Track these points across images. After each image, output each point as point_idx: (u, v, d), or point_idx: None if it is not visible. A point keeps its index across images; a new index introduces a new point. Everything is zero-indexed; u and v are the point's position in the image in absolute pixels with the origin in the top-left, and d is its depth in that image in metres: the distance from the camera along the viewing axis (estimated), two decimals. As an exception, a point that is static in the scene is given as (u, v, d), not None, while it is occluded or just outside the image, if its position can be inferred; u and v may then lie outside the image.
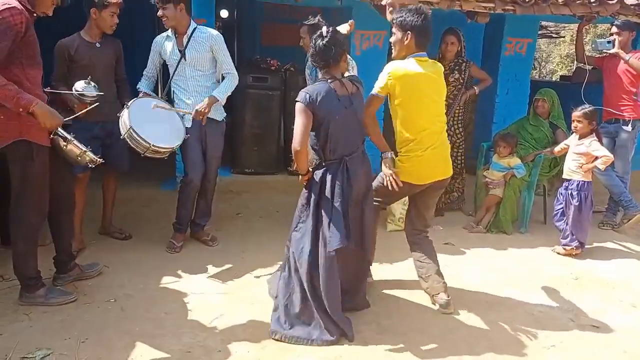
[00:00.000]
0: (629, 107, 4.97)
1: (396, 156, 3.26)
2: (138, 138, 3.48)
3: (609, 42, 5.01)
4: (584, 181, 4.30)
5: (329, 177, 2.93)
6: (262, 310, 3.19)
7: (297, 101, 2.89)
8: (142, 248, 4.04)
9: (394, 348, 2.90)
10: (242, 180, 5.65)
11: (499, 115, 5.96)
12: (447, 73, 4.84)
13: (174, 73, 3.89)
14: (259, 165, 5.73)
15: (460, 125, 5.08)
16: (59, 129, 2.92)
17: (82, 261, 3.55)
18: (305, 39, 3.89)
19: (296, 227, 3.05)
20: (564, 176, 4.44)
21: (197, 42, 3.82)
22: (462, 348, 2.94)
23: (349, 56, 3.19)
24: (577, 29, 5.68)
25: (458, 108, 5.01)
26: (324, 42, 2.89)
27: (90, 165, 3.09)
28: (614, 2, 5.04)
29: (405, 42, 3.14)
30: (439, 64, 3.31)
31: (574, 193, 4.30)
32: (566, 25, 11.53)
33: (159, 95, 4.02)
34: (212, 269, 3.76)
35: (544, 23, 9.27)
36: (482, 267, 4.04)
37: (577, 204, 4.28)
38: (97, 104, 3.39)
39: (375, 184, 3.26)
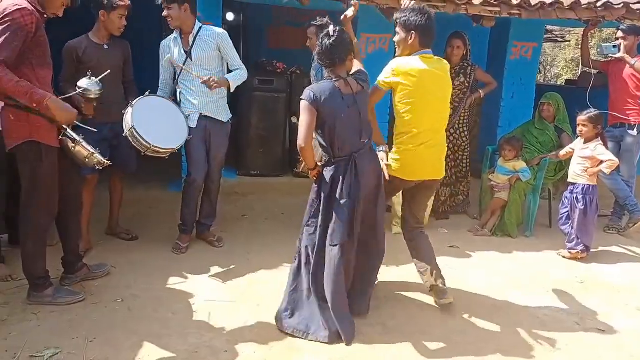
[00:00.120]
0: (635, 111, 4.98)
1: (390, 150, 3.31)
2: (139, 137, 3.51)
3: (614, 46, 5.03)
4: (589, 185, 4.31)
5: (338, 174, 2.96)
6: (268, 311, 3.20)
7: (301, 99, 2.93)
8: (149, 249, 4.06)
9: (399, 349, 2.91)
10: (248, 182, 5.69)
11: (505, 119, 5.97)
12: (452, 77, 4.81)
13: (179, 73, 3.92)
14: (265, 167, 5.76)
15: (465, 129, 5.10)
16: (68, 129, 2.95)
17: (89, 262, 3.57)
18: (312, 40, 3.93)
19: (308, 222, 3.08)
20: (569, 180, 4.45)
21: (203, 41, 3.85)
22: (468, 350, 2.95)
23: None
24: (582, 33, 5.68)
25: (463, 111, 5.04)
26: (330, 41, 2.92)
27: (98, 167, 3.11)
28: (619, 6, 5.06)
29: (410, 42, 3.16)
30: (445, 62, 3.32)
31: (579, 197, 4.30)
32: (571, 29, 11.53)
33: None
34: (218, 270, 3.77)
35: (549, 27, 9.28)
36: (488, 271, 4.05)
37: (582, 207, 4.28)
38: (100, 91, 3.38)
39: None
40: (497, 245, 4.55)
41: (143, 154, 3.64)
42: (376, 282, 3.46)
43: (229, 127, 4.15)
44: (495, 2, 4.80)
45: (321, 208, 3.00)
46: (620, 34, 5.03)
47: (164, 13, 3.75)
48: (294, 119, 4.56)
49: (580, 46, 5.76)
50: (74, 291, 3.25)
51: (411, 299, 3.46)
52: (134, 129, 3.49)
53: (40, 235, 3.06)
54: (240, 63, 4.02)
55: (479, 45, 6.12)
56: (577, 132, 4.42)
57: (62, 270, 3.38)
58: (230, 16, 8.52)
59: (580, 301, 3.61)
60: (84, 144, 2.99)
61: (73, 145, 2.96)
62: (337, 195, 2.95)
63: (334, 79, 2.96)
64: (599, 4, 5.02)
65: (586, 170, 4.30)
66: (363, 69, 3.16)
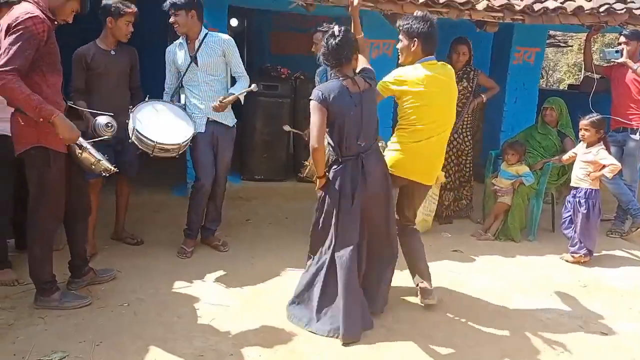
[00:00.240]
0: (637, 115, 5.00)
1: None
2: (143, 138, 3.55)
3: (617, 51, 5.06)
4: (592, 189, 4.32)
5: (345, 173, 3.00)
6: (273, 316, 3.23)
7: (310, 99, 2.96)
8: (154, 253, 4.08)
9: (403, 353, 2.92)
10: (252, 187, 5.72)
11: (507, 124, 6.00)
12: (455, 81, 4.89)
13: (182, 77, 3.94)
14: (269, 172, 5.79)
15: (468, 133, 5.12)
16: None
17: (95, 266, 3.59)
18: (318, 45, 3.95)
19: (318, 221, 3.12)
20: (572, 184, 4.46)
21: (209, 46, 3.89)
22: (471, 354, 2.97)
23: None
24: (585, 38, 5.71)
25: (466, 116, 5.06)
26: (336, 41, 2.94)
27: (104, 174, 3.14)
28: (622, 12, 5.08)
29: (412, 49, 3.21)
30: (450, 67, 3.36)
31: (582, 201, 4.32)
32: (574, 34, 11.56)
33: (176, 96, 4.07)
34: (222, 274, 3.79)
35: (551, 32, 9.30)
36: (491, 274, 4.06)
37: (585, 211, 4.30)
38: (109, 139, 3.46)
39: None
40: (501, 250, 4.57)
41: (152, 156, 3.66)
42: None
43: (234, 131, 4.18)
44: (498, 8, 4.83)
45: (331, 207, 3.03)
46: (622, 39, 5.06)
47: (171, 19, 3.79)
48: (286, 127, 4.59)
49: (582, 51, 5.79)
50: (80, 295, 3.28)
51: (414, 302, 3.47)
52: (136, 130, 3.53)
53: (47, 239, 3.08)
54: (243, 70, 4.06)
55: (482, 50, 6.15)
56: (580, 136, 4.44)
57: (68, 275, 3.40)
58: (233, 22, 8.58)
59: (583, 305, 3.63)
60: (91, 150, 3.03)
61: (80, 151, 2.99)
62: (346, 195, 2.99)
63: (341, 78, 2.99)
64: (601, 9, 5.04)
65: (589, 175, 4.32)
66: (369, 67, 3.19)
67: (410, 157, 3.26)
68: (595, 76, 5.44)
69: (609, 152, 4.36)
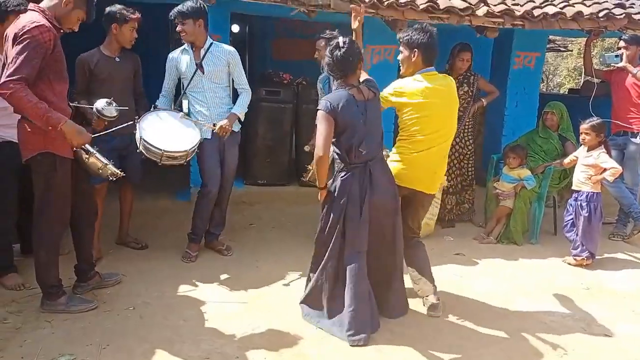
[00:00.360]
0: (637, 119, 5.03)
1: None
2: (150, 147, 3.57)
3: (616, 55, 5.10)
4: (593, 192, 4.35)
5: (354, 180, 3.03)
6: (278, 319, 3.25)
7: (318, 109, 2.99)
8: (158, 257, 4.11)
9: (407, 356, 2.94)
10: (255, 192, 5.75)
11: (508, 128, 6.03)
12: (456, 86, 4.92)
13: (188, 85, 3.97)
14: (271, 176, 5.83)
15: (470, 137, 5.16)
16: None
17: (100, 270, 3.61)
18: (321, 52, 3.99)
19: (325, 227, 3.13)
20: (574, 187, 4.49)
21: (215, 56, 3.93)
22: (475, 356, 2.98)
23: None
24: (585, 42, 5.76)
25: (468, 120, 5.10)
26: (341, 52, 2.98)
27: (111, 179, 3.17)
28: (621, 16, 5.13)
29: (413, 59, 3.26)
30: (450, 78, 3.40)
31: (584, 204, 4.35)
32: (573, 38, 11.61)
33: (171, 107, 4.09)
34: (227, 278, 3.82)
35: (551, 37, 9.35)
36: (494, 278, 4.08)
37: (586, 214, 4.33)
38: (115, 117, 3.46)
39: None
40: (503, 253, 4.59)
41: (160, 164, 3.68)
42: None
43: (239, 136, 4.22)
44: (498, 14, 4.88)
45: (339, 214, 3.05)
46: (622, 43, 5.10)
47: (178, 28, 3.82)
48: (306, 148, 4.53)
49: (582, 55, 5.83)
50: (86, 299, 3.30)
51: (418, 304, 3.48)
52: (143, 139, 3.56)
53: (54, 244, 3.11)
54: (246, 84, 4.11)
55: (482, 56, 6.19)
56: (580, 140, 4.47)
57: (74, 279, 3.43)
58: (235, 28, 8.63)
59: (586, 307, 3.64)
60: (98, 155, 3.06)
61: (87, 156, 3.02)
62: (354, 202, 3.01)
63: (347, 88, 3.02)
64: (601, 14, 5.09)
65: (590, 178, 4.35)
66: (370, 78, 3.24)
67: (412, 168, 3.29)
68: (596, 80, 5.47)
69: (610, 156, 4.39)
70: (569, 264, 4.40)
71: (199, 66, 3.91)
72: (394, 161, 3.34)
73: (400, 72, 3.41)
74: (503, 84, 5.95)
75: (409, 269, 3.48)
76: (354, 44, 3.06)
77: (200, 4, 3.82)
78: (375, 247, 3.13)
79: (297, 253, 4.17)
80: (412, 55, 3.25)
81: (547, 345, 3.13)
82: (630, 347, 3.17)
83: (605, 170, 4.28)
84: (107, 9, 3.74)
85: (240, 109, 4.03)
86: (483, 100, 5.17)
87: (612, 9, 5.17)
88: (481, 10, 4.87)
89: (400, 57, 3.35)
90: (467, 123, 5.10)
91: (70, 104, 3.22)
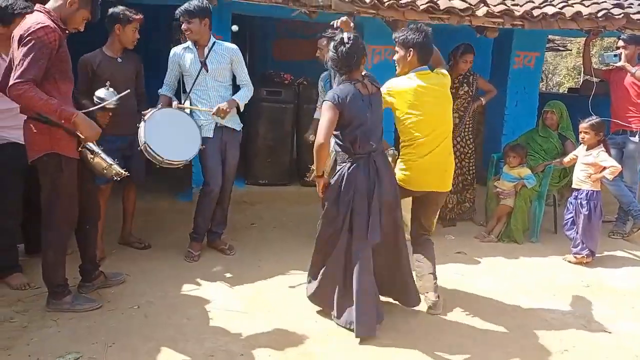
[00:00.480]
0: (636, 118, 5.07)
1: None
2: (152, 152, 3.62)
3: (615, 55, 5.14)
4: (593, 190, 4.38)
5: (359, 171, 3.05)
6: (281, 317, 3.29)
7: (325, 100, 3.03)
8: (161, 257, 4.14)
9: (411, 353, 2.97)
10: (256, 191, 5.77)
11: (509, 127, 6.05)
12: (456, 86, 4.99)
13: (194, 83, 4.00)
14: (272, 176, 5.85)
15: (470, 136, 5.20)
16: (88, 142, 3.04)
17: (103, 270, 3.62)
18: (323, 51, 4.02)
19: (329, 222, 3.15)
20: (574, 186, 4.53)
21: (219, 54, 3.96)
22: (477, 353, 3.01)
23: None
24: (584, 42, 5.79)
25: (468, 119, 5.13)
26: (346, 48, 3.01)
27: (116, 179, 3.20)
28: (620, 16, 5.16)
29: (408, 59, 3.30)
30: (445, 76, 3.41)
31: (584, 202, 4.38)
32: (572, 38, 11.64)
33: (183, 102, 4.11)
34: (230, 277, 3.84)
35: (550, 36, 9.38)
36: (495, 276, 4.12)
37: (586, 213, 4.36)
38: (117, 104, 3.47)
39: None
40: (504, 251, 4.62)
41: (158, 167, 3.74)
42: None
43: (240, 135, 4.25)
44: (498, 14, 4.90)
45: (343, 205, 3.07)
46: (621, 43, 5.14)
47: (184, 26, 3.85)
48: (311, 137, 4.51)
49: (581, 55, 5.86)
50: (91, 298, 3.33)
51: (422, 303, 3.50)
52: (147, 144, 3.60)
53: (61, 244, 3.13)
54: (248, 79, 4.14)
55: (482, 55, 6.21)
56: (580, 139, 4.50)
57: (78, 279, 3.45)
58: (234, 28, 8.66)
59: (586, 305, 3.68)
60: (103, 155, 3.09)
61: (92, 156, 3.05)
62: (361, 193, 3.04)
63: (352, 82, 3.06)
64: (599, 14, 5.12)
65: (590, 177, 4.38)
66: (370, 73, 3.27)
67: (422, 172, 3.34)
68: (595, 79, 5.50)
69: (609, 155, 4.42)
70: (569, 262, 4.43)
71: (203, 64, 3.93)
72: (402, 170, 3.36)
73: (396, 72, 3.44)
74: (503, 83, 5.98)
75: (415, 263, 3.51)
76: (358, 40, 3.09)
77: (206, 4, 3.85)
78: (377, 247, 3.15)
79: (298, 252, 4.20)
80: (408, 55, 3.29)
81: (548, 342, 3.16)
82: (630, 344, 3.20)
83: (604, 168, 4.32)
84: (110, 10, 3.77)
85: (241, 98, 4.04)
86: (482, 99, 5.21)
87: (611, 9, 5.20)
88: (481, 11, 4.90)
89: (395, 57, 3.39)
90: (467, 122, 5.14)
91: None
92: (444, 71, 3.42)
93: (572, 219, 4.50)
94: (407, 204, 3.76)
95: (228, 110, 3.90)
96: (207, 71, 3.95)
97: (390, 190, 3.15)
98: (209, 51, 3.94)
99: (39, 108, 2.81)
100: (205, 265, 4.05)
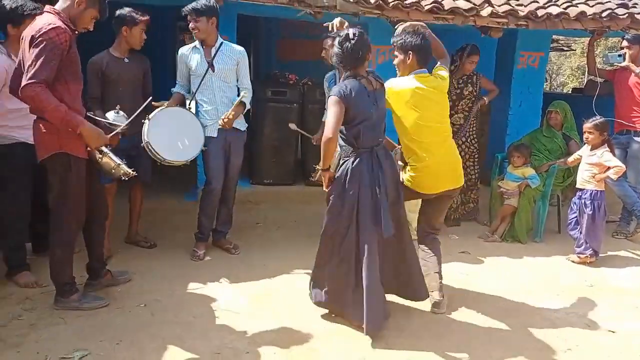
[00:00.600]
0: (640, 118, 5.07)
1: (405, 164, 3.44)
2: (154, 151, 3.66)
3: (619, 55, 5.14)
4: (597, 190, 4.39)
5: (362, 166, 3.07)
6: (286, 315, 3.31)
7: (330, 95, 3.05)
8: (167, 256, 4.17)
9: (415, 352, 2.99)
10: (261, 191, 5.81)
11: (513, 127, 6.07)
12: (461, 87, 5.01)
13: (200, 83, 4.02)
14: (277, 176, 5.89)
15: (475, 136, 5.21)
16: None
17: (110, 268, 3.65)
18: (328, 51, 4.04)
19: (334, 216, 3.15)
20: (578, 186, 4.54)
21: (226, 55, 3.99)
22: (481, 352, 3.03)
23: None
24: (588, 42, 5.79)
25: (473, 119, 5.15)
26: (351, 44, 3.03)
27: (124, 178, 3.23)
28: (624, 16, 5.17)
29: (408, 62, 3.33)
30: (443, 80, 3.42)
31: (587, 202, 4.39)
32: (577, 38, 11.63)
33: (187, 105, 4.15)
34: (235, 276, 3.87)
35: (554, 36, 9.39)
36: (498, 275, 4.13)
37: (590, 212, 4.37)
38: (127, 126, 3.51)
39: None
40: (508, 251, 4.64)
41: (159, 165, 3.79)
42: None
43: (245, 135, 4.28)
44: (502, 14, 4.93)
45: (349, 199, 3.08)
46: (625, 43, 5.14)
47: (191, 25, 3.88)
48: (292, 126, 4.61)
49: (586, 55, 5.87)
50: (98, 297, 3.37)
51: (427, 304, 3.52)
52: (149, 144, 3.64)
53: (69, 242, 3.17)
54: (249, 83, 4.16)
55: (486, 55, 6.22)
56: (584, 139, 4.51)
57: (85, 277, 3.48)
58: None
59: (590, 304, 3.69)
60: (111, 155, 3.13)
61: (100, 156, 3.09)
62: (365, 187, 3.06)
63: (358, 78, 3.09)
64: (604, 14, 5.13)
65: (594, 177, 4.39)
66: (372, 70, 3.30)
67: (433, 176, 3.36)
68: (599, 80, 5.51)
69: (614, 155, 4.43)
70: (573, 261, 4.44)
71: (210, 64, 3.96)
72: (412, 177, 3.37)
73: (397, 76, 3.46)
74: (507, 83, 5.99)
75: (421, 261, 3.53)
76: (363, 36, 3.10)
77: (214, 3, 3.88)
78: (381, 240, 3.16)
79: (303, 252, 4.21)
80: (407, 58, 3.32)
81: (552, 341, 3.17)
82: (633, 344, 3.22)
83: (609, 168, 4.33)
84: (117, 12, 3.80)
85: (247, 99, 4.05)
86: (485, 98, 5.23)
87: (615, 9, 5.21)
88: (485, 11, 4.92)
89: (395, 61, 3.42)
90: (472, 122, 5.16)
91: (88, 114, 3.29)
92: (443, 73, 3.43)
93: (575, 218, 4.51)
94: (411, 203, 3.79)
95: (233, 118, 3.93)
96: (214, 71, 3.98)
97: (392, 184, 3.18)
98: (216, 51, 3.97)
99: (48, 113, 2.85)
100: (211, 264, 4.09)
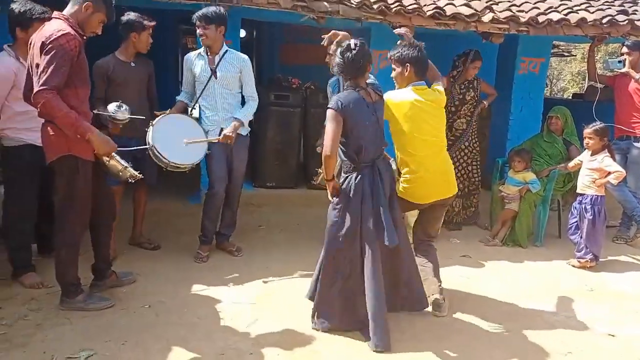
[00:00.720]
0: (640, 124, 5.11)
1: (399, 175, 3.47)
2: (158, 155, 3.69)
3: (619, 61, 5.18)
4: (597, 195, 4.43)
5: (365, 181, 3.10)
6: (289, 317, 3.35)
7: (329, 107, 3.07)
8: (171, 258, 4.21)
9: (417, 355, 3.02)
10: (264, 194, 5.86)
11: (513, 132, 6.11)
12: (463, 92, 5.06)
13: (203, 90, 4.08)
14: (280, 179, 5.94)
15: (477, 140, 5.25)
16: None
17: (114, 269, 3.68)
18: (332, 55, 4.08)
19: (339, 229, 3.14)
20: (578, 191, 4.57)
21: (229, 62, 4.04)
22: (483, 355, 3.06)
23: (371, 75, 3.38)
24: (588, 48, 5.84)
25: (474, 123, 5.20)
26: (352, 54, 3.06)
27: (130, 181, 3.27)
28: (624, 23, 5.21)
29: (406, 74, 3.37)
30: (440, 94, 3.45)
31: (588, 207, 4.42)
32: (577, 43, 11.69)
33: (189, 111, 4.20)
34: (238, 278, 3.91)
35: (555, 42, 9.44)
36: (500, 279, 4.16)
37: (590, 217, 4.40)
38: (128, 119, 3.56)
39: None
40: (508, 255, 4.67)
41: (165, 170, 3.82)
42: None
43: (248, 140, 4.31)
44: (504, 20, 4.97)
45: (352, 214, 3.10)
46: (625, 49, 5.18)
47: (200, 31, 3.93)
48: (318, 149, 4.59)
49: (586, 60, 5.91)
50: (103, 297, 3.40)
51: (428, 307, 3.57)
52: (154, 147, 3.68)
53: (74, 243, 3.20)
54: (254, 92, 4.20)
55: (487, 61, 6.26)
56: (584, 144, 4.55)
57: (90, 278, 3.52)
58: (241, 33, 8.76)
59: (590, 308, 3.72)
60: (118, 158, 3.17)
61: (108, 159, 3.13)
62: (367, 203, 3.08)
63: (357, 89, 3.12)
64: (604, 20, 5.18)
65: (594, 182, 4.43)
66: (374, 82, 3.35)
67: (426, 186, 3.39)
68: (599, 85, 5.55)
69: (614, 160, 4.47)
70: (573, 266, 4.47)
71: (213, 72, 4.01)
72: (405, 188, 3.40)
73: (396, 88, 3.50)
74: (508, 89, 6.04)
75: (419, 268, 3.55)
76: (364, 47, 3.14)
77: (223, 12, 3.94)
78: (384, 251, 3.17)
79: (305, 254, 4.26)
80: (405, 70, 3.36)
81: (552, 344, 3.20)
82: (633, 348, 3.24)
83: (609, 173, 4.36)
84: (125, 18, 3.86)
85: (244, 116, 4.11)
86: (484, 102, 5.28)
87: (615, 15, 5.25)
88: (487, 17, 4.97)
89: (393, 74, 3.46)
90: (474, 126, 5.20)
91: (93, 111, 3.33)
92: (441, 88, 3.47)
93: (576, 223, 4.54)
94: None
95: (232, 136, 3.98)
96: (216, 78, 4.02)
97: (388, 191, 3.20)
98: (220, 59, 4.02)
99: (59, 119, 2.90)
100: (215, 266, 4.12)
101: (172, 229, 4.88)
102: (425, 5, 4.90)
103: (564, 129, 5.15)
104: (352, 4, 4.68)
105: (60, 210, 3.16)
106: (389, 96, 3.38)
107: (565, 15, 5.17)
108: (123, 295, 3.52)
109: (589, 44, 5.75)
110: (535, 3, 5.38)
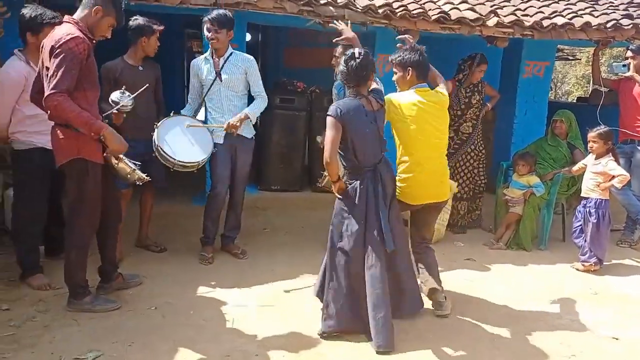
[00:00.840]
0: (644, 128, 5.11)
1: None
2: (164, 154, 3.74)
3: (624, 65, 5.20)
4: (602, 199, 4.44)
5: (368, 191, 3.13)
6: (295, 320, 3.37)
7: (328, 114, 3.10)
8: (177, 260, 4.24)
9: (419, 355, 3.05)
10: (268, 197, 5.89)
11: (518, 136, 6.13)
12: (469, 95, 5.08)
13: (207, 92, 4.12)
14: (285, 182, 5.96)
15: (482, 143, 5.27)
16: None
17: (120, 271, 3.71)
18: (338, 58, 4.12)
19: (341, 237, 3.17)
20: (582, 194, 4.58)
21: (234, 64, 4.08)
22: (486, 356, 3.08)
23: (377, 78, 3.41)
24: (593, 52, 5.85)
25: (480, 126, 5.22)
26: (356, 63, 3.10)
27: (138, 183, 3.31)
28: (629, 27, 5.23)
29: (408, 78, 3.41)
30: (444, 95, 3.48)
31: (592, 211, 4.43)
32: (582, 47, 11.69)
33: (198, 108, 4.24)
34: (244, 280, 3.93)
35: (560, 46, 9.45)
36: (504, 282, 4.18)
37: (595, 221, 4.41)
38: (131, 105, 3.54)
39: None
40: (513, 258, 4.68)
41: (172, 170, 3.86)
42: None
43: (253, 143, 4.35)
44: (508, 24, 5.00)
45: (356, 220, 3.12)
46: (629, 53, 5.19)
47: (211, 35, 3.97)
48: (319, 139, 4.67)
49: (590, 64, 5.93)
50: (110, 299, 3.43)
51: (431, 308, 3.57)
52: (159, 147, 3.72)
53: (83, 245, 3.24)
54: (263, 90, 4.25)
55: (492, 65, 6.27)
56: (588, 148, 4.56)
57: (97, 280, 3.55)
58: (247, 36, 8.81)
59: (594, 311, 3.73)
60: (127, 160, 3.20)
61: (116, 162, 3.16)
62: (370, 209, 3.11)
63: (358, 97, 3.15)
64: (609, 25, 5.20)
65: (598, 185, 4.44)
66: (378, 87, 3.37)
67: (420, 186, 3.42)
68: (603, 89, 5.56)
69: (618, 164, 4.48)
70: (577, 269, 4.48)
71: (218, 74, 4.05)
72: (400, 186, 3.42)
73: (398, 92, 3.53)
74: (512, 92, 6.06)
75: (417, 271, 3.59)
76: (368, 56, 3.18)
77: (232, 16, 3.99)
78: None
79: (310, 257, 4.28)
80: (407, 74, 3.39)
81: (556, 347, 3.21)
82: (637, 351, 3.25)
83: (613, 177, 4.37)
84: (134, 23, 3.90)
85: (252, 110, 4.15)
86: (488, 104, 5.31)
87: (620, 19, 5.27)
88: (492, 21, 4.99)
89: (394, 78, 3.50)
90: (479, 130, 5.22)
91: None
92: (444, 91, 3.50)
93: (580, 227, 4.55)
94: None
95: (238, 125, 4.01)
96: (221, 81, 4.07)
97: (390, 192, 3.23)
98: (225, 62, 4.06)
99: (72, 120, 2.94)
100: (220, 268, 4.15)
101: (179, 231, 4.92)
102: (430, 10, 4.93)
103: (569, 133, 5.17)
104: (358, 8, 4.71)
105: (71, 213, 3.20)
106: (392, 98, 3.40)
107: (570, 19, 5.19)
108: (130, 297, 3.55)
109: (594, 48, 5.76)
110: (539, 7, 5.41)
